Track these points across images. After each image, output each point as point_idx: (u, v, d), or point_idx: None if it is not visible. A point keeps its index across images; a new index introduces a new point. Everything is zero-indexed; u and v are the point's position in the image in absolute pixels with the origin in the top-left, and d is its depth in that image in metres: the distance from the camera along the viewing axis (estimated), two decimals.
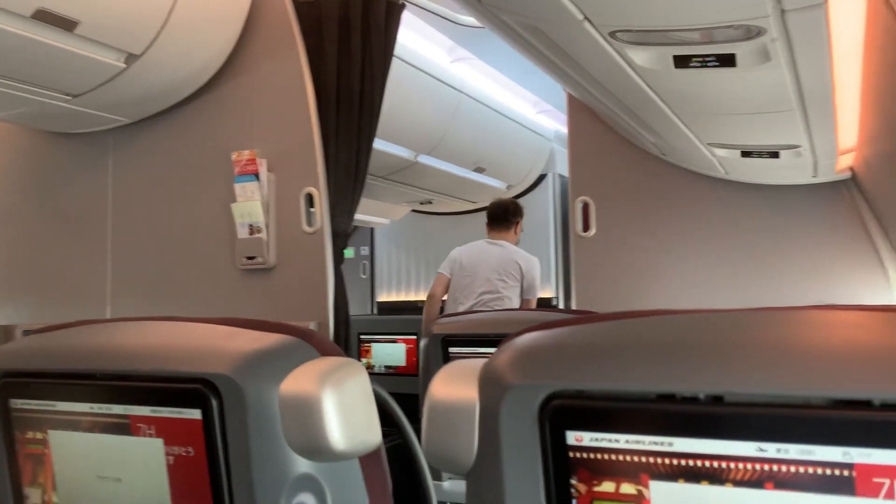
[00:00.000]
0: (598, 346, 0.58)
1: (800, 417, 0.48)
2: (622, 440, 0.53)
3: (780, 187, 2.61)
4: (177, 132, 2.68)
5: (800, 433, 0.48)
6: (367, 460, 0.74)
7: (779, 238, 2.61)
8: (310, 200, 2.50)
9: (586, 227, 2.80)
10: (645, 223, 2.76)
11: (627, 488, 0.53)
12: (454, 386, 0.63)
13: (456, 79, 3.79)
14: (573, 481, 0.55)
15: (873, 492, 0.46)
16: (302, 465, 0.69)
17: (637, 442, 0.53)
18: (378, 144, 3.50)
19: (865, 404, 0.47)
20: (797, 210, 2.60)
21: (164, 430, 0.73)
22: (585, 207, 2.81)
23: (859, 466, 0.46)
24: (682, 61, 1.35)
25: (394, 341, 3.46)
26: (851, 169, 2.36)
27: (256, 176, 2.52)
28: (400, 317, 4.08)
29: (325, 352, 0.74)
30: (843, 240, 2.56)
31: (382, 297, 5.74)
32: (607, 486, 0.54)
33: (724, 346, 0.53)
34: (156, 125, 2.70)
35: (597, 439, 0.54)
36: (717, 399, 0.51)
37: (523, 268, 3.58)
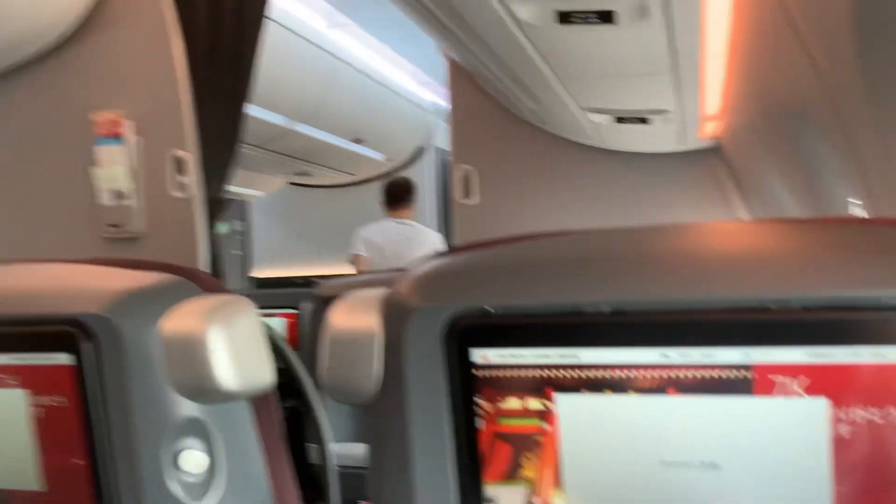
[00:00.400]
0: (501, 266, 0.57)
1: (701, 322, 0.49)
2: (527, 355, 0.53)
3: (651, 155, 2.73)
4: (28, 92, 2.46)
5: (701, 337, 0.49)
6: (259, 403, 0.70)
7: (649, 204, 2.74)
8: (180, 165, 2.37)
9: (468, 195, 2.82)
10: (524, 191, 2.82)
11: (533, 403, 0.53)
12: (355, 315, 0.60)
13: (334, 45, 3.70)
14: (478, 400, 0.54)
15: (769, 390, 0.48)
16: (188, 409, 0.65)
17: (542, 356, 0.52)
18: (253, 111, 3.36)
19: (762, 307, 0.48)
20: (666, 177, 2.74)
21: (30, 379, 0.66)
22: (467, 176, 2.84)
23: (757, 367, 0.48)
24: (564, 17, 1.37)
25: (273, 315, 3.36)
26: (715, 137, 2.50)
27: (120, 138, 2.36)
28: (279, 290, 3.97)
29: (210, 290, 0.69)
30: (706, 206, 2.72)
31: (258, 273, 5.57)
32: (513, 403, 0.53)
33: (624, 258, 0.54)
34: (3, 84, 2.47)
35: (502, 356, 0.53)
36: (620, 308, 0.51)
37: (437, 248, 3.68)
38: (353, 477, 1.79)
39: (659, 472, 0.51)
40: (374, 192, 5.04)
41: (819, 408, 0.47)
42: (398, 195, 3.76)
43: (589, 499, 0.53)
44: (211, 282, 0.70)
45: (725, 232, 0.55)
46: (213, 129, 2.40)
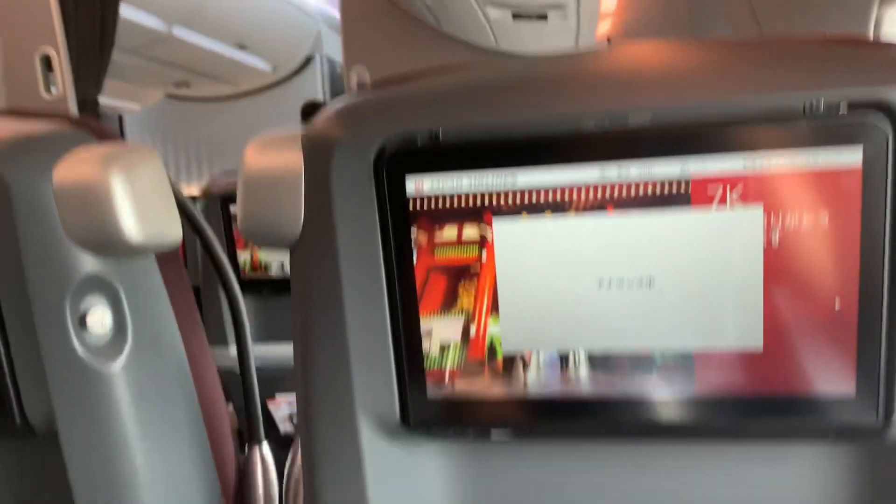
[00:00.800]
0: (429, 93, 0.54)
1: (637, 136, 0.48)
2: (464, 181, 0.51)
3: None
4: None
5: (638, 151, 0.48)
6: (166, 259, 0.65)
7: None
8: (47, 63, 2.17)
9: None
10: None
11: (470, 231, 0.51)
12: (273, 153, 0.56)
13: None
14: (413, 233, 0.52)
15: (707, 201, 0.48)
16: (88, 265, 0.59)
17: (479, 180, 0.50)
18: (125, 11, 3.11)
19: (696, 117, 0.48)
20: None
21: None
22: (361, 82, 2.75)
23: (695, 179, 0.48)
24: None
25: None
26: (608, 37, 2.52)
27: None
28: None
29: (105, 139, 0.63)
30: None
31: None
32: (449, 234, 0.51)
33: (558, 77, 0.52)
34: None
35: (439, 184, 0.51)
36: (556, 127, 0.50)
37: None
38: (260, 379, 1.76)
39: (594, 292, 0.51)
40: (262, 106, 4.84)
41: (754, 216, 0.47)
42: (313, 111, 3.79)
43: (524, 323, 0.52)
44: (106, 130, 0.64)
45: (656, 49, 0.54)
46: (84, 21, 2.20)
